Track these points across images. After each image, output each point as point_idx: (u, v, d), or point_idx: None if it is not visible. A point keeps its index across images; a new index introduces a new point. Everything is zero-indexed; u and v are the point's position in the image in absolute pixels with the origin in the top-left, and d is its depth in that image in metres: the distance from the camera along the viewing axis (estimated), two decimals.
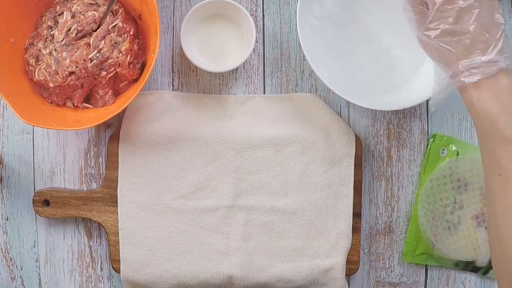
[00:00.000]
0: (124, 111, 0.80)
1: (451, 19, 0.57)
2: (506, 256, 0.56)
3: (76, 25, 0.75)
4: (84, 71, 0.75)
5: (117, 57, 0.75)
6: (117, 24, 0.76)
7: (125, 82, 0.78)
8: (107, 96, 0.78)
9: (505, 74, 0.56)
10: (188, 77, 0.83)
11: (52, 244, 0.83)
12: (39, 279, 0.83)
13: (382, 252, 0.84)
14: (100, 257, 0.83)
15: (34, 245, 0.83)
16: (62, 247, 0.83)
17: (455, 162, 0.81)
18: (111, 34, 0.75)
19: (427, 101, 0.83)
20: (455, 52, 0.57)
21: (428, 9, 0.60)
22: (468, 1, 0.57)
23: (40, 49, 0.77)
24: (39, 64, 0.76)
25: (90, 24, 0.76)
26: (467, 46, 0.57)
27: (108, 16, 0.76)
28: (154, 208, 0.80)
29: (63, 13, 0.76)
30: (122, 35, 0.76)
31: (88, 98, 0.79)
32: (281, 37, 0.83)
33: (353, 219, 0.81)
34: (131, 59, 0.76)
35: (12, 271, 0.83)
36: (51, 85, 0.76)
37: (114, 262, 0.80)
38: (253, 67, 0.83)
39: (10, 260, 0.83)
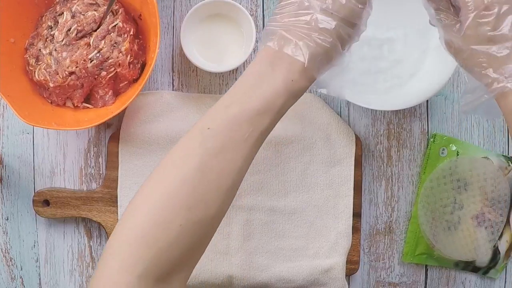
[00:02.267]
0: (124, 111, 0.80)
1: (491, 25, 0.54)
2: None
3: (76, 25, 0.75)
4: (84, 71, 0.75)
5: (117, 57, 0.75)
6: (117, 24, 0.76)
7: (125, 82, 0.78)
8: (107, 96, 0.78)
9: None
10: (188, 77, 0.83)
11: (52, 244, 0.83)
12: (39, 279, 0.83)
13: (382, 252, 0.84)
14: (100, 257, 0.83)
15: (34, 245, 0.83)
16: (62, 247, 0.83)
17: (455, 162, 0.81)
18: (111, 34, 0.75)
19: (427, 101, 0.83)
20: (498, 57, 0.54)
21: (455, 11, 0.57)
22: (505, 7, 0.54)
23: (40, 49, 0.76)
24: (39, 64, 0.76)
25: (90, 24, 0.76)
26: (509, 53, 0.54)
27: (108, 16, 0.76)
28: None
29: (63, 13, 0.76)
30: (122, 35, 0.76)
31: (88, 98, 0.79)
32: None
33: (353, 219, 0.81)
34: (131, 59, 0.76)
35: (12, 271, 0.83)
36: (51, 85, 0.76)
37: None
38: None
39: (10, 260, 0.83)
